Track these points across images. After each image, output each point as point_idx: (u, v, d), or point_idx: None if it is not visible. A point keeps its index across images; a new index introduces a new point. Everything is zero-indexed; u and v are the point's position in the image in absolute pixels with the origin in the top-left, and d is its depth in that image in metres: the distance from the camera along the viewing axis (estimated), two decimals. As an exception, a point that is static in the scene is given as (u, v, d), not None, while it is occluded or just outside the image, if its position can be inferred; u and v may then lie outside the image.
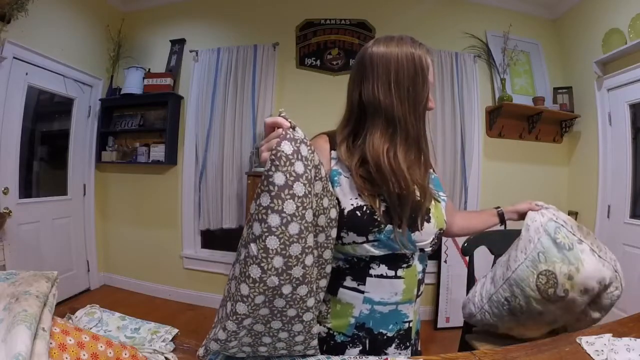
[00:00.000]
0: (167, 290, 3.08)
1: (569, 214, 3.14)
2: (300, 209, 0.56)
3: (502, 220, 1.08)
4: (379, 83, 0.72)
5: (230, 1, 3.06)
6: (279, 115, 0.60)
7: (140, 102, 3.07)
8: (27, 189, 2.65)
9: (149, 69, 3.09)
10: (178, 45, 3.10)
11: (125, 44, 3.15)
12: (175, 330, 0.81)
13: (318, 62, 2.93)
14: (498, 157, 2.88)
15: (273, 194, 0.54)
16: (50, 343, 0.51)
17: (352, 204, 0.72)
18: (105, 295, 3.06)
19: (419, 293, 0.81)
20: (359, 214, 0.71)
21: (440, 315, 2.70)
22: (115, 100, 3.11)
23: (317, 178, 0.63)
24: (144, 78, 3.02)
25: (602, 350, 0.74)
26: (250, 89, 2.86)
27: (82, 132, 3.05)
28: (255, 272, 0.55)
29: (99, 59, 3.09)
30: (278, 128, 0.58)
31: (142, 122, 3.11)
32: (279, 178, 0.54)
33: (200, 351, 0.67)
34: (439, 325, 2.68)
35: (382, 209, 0.72)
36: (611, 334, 0.79)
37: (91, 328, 0.79)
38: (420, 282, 0.81)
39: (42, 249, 2.68)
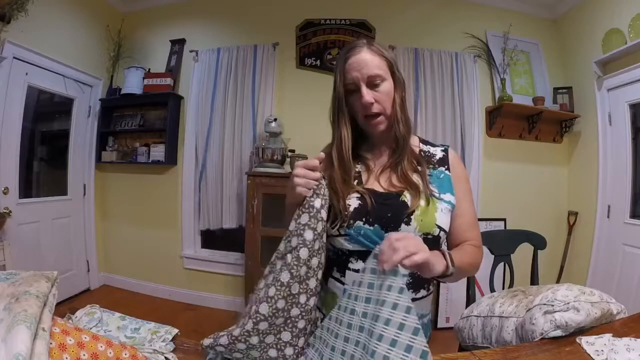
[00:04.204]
0: (167, 290, 3.08)
1: (569, 214, 3.13)
2: (321, 230, 0.69)
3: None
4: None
5: (230, 1, 3.06)
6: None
7: (140, 102, 3.07)
8: (27, 189, 2.65)
9: (149, 69, 3.09)
10: (178, 45, 3.10)
11: (125, 44, 3.15)
12: (175, 330, 0.81)
13: (318, 62, 2.93)
14: (498, 157, 2.88)
15: (312, 214, 0.68)
16: (50, 343, 0.51)
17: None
18: (105, 295, 3.06)
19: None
20: (334, 208, 0.77)
21: (440, 315, 2.70)
22: (115, 100, 3.10)
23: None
24: (144, 78, 3.02)
25: (602, 350, 0.74)
26: (250, 89, 2.85)
27: (82, 132, 3.05)
28: (285, 277, 0.65)
29: (99, 59, 3.09)
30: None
31: (142, 122, 3.11)
32: (317, 202, 0.70)
33: (206, 341, 0.68)
34: (439, 325, 2.68)
35: (355, 205, 0.76)
36: (611, 334, 0.79)
37: (91, 328, 0.78)
38: (407, 286, 0.77)
39: (42, 249, 2.68)
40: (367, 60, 0.77)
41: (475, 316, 1.08)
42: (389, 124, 0.82)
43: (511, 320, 0.94)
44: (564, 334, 0.82)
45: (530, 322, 0.86)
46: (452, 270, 0.69)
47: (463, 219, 0.83)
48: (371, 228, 0.74)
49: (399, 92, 0.82)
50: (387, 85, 0.79)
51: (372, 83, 0.78)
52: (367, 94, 0.77)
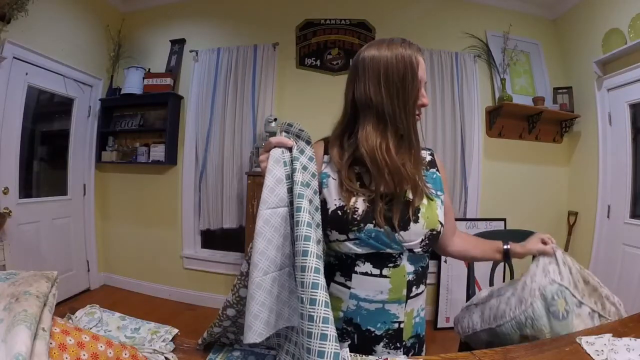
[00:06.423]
0: (167, 290, 3.08)
1: (569, 215, 3.12)
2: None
3: (506, 258, 0.99)
4: (370, 82, 0.76)
5: (230, 1, 3.06)
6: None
7: (140, 102, 3.06)
8: (27, 189, 2.64)
9: (149, 69, 3.09)
10: (178, 45, 3.10)
11: (125, 44, 3.15)
12: (175, 330, 0.81)
13: (318, 62, 2.93)
14: (498, 157, 2.88)
15: None
16: (50, 343, 0.51)
17: (335, 204, 0.77)
18: (105, 295, 3.06)
19: (412, 295, 0.80)
20: (340, 213, 0.76)
21: (440, 315, 2.70)
22: (115, 100, 3.10)
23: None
24: (144, 78, 3.02)
25: (602, 350, 0.74)
26: (250, 89, 2.86)
27: (82, 132, 3.05)
28: (244, 266, 0.69)
29: (99, 59, 3.09)
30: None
31: (142, 122, 3.11)
32: None
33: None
34: (439, 325, 2.68)
35: (364, 208, 0.76)
36: (611, 334, 0.79)
37: (91, 328, 0.79)
38: (412, 283, 0.79)
39: (42, 249, 2.68)
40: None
41: (475, 304, 1.09)
42: None
43: (509, 291, 0.96)
44: (559, 292, 0.86)
45: (531, 280, 0.90)
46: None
47: (451, 213, 0.95)
48: (382, 230, 0.75)
49: None
50: None
51: None
52: (425, 96, 0.80)
